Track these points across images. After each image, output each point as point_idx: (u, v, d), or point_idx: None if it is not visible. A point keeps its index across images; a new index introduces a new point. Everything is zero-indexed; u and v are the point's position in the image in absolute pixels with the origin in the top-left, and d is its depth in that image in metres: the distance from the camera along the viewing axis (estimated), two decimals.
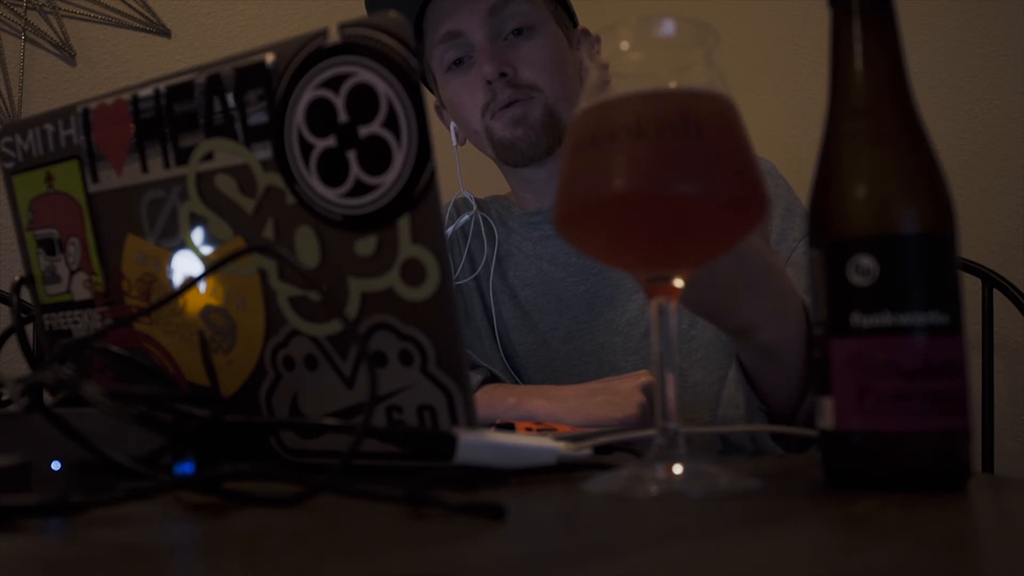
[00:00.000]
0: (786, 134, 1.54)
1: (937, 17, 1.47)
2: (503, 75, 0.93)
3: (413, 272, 0.41)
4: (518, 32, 0.95)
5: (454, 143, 1.05)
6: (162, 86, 0.48)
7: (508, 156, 1.00)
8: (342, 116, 0.42)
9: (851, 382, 0.39)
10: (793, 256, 0.88)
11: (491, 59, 0.93)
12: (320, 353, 0.45)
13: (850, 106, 0.41)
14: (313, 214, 0.44)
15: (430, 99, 1.09)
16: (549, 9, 0.99)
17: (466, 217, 1.08)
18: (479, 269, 1.06)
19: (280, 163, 0.44)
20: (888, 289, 0.38)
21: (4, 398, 0.51)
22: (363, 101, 0.42)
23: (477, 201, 1.10)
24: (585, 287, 1.00)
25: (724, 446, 0.70)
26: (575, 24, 1.05)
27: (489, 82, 0.94)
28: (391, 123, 0.41)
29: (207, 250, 0.48)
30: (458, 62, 0.98)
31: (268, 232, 0.45)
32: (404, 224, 0.41)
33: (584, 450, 0.46)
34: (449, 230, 1.08)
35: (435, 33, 0.98)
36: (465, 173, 1.07)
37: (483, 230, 1.07)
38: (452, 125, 1.05)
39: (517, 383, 0.99)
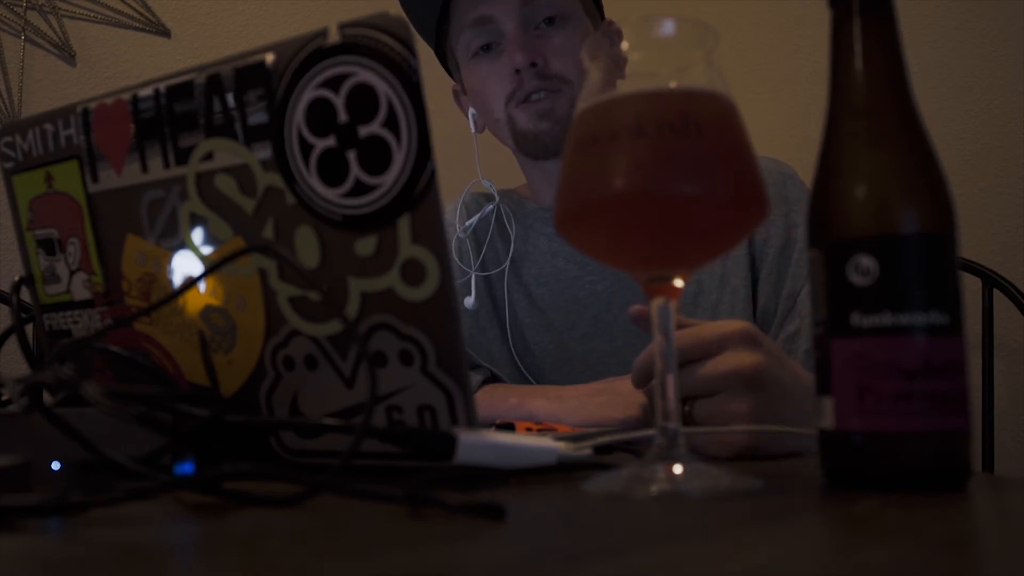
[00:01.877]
0: (786, 134, 1.54)
1: (937, 17, 1.47)
2: (533, 65, 0.92)
3: (413, 272, 0.41)
4: (550, 21, 0.94)
5: (472, 130, 1.03)
6: (162, 86, 0.48)
7: (530, 149, 0.98)
8: (342, 116, 0.42)
9: (851, 382, 0.39)
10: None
11: (522, 48, 0.92)
12: (320, 353, 0.45)
13: (850, 106, 0.41)
14: (313, 214, 0.44)
15: (448, 84, 1.08)
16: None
17: (489, 207, 1.06)
18: (498, 267, 1.03)
19: (280, 163, 0.44)
20: (888, 289, 0.38)
21: (4, 398, 0.51)
22: (363, 101, 0.42)
23: (491, 197, 1.08)
24: (604, 286, 0.98)
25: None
26: (602, 17, 1.04)
27: (518, 71, 0.93)
28: (391, 123, 0.41)
29: (207, 250, 0.48)
30: (486, 48, 0.97)
31: (268, 232, 0.45)
32: (404, 224, 0.41)
33: (584, 450, 0.46)
34: (472, 220, 1.05)
35: (464, 17, 0.97)
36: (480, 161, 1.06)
37: (506, 223, 1.05)
38: (471, 112, 1.03)
39: (530, 383, 0.98)
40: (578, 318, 0.98)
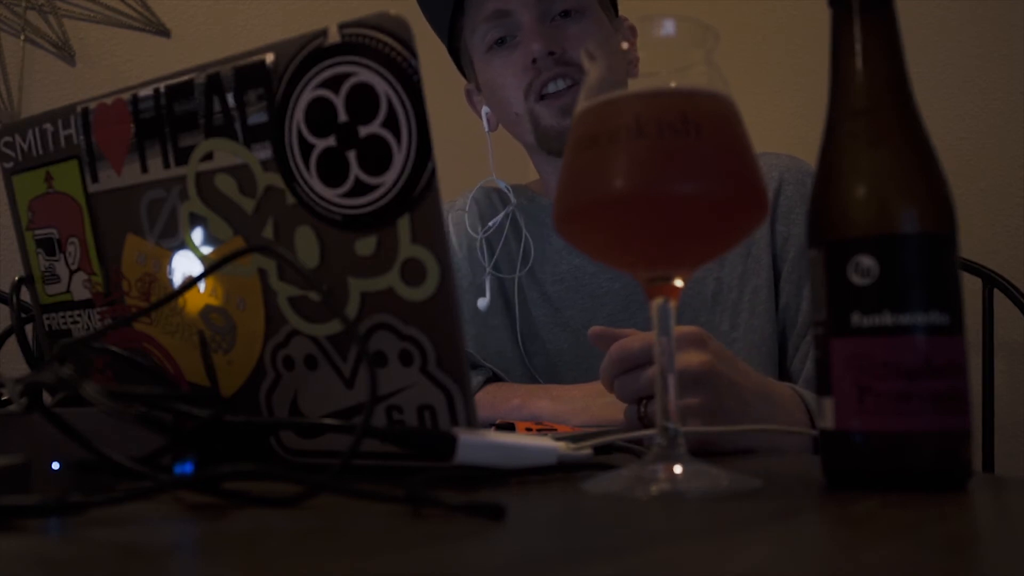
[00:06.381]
0: (786, 134, 1.54)
1: (937, 17, 1.47)
2: (551, 53, 0.92)
3: (413, 272, 0.41)
4: (566, 14, 0.94)
5: (486, 129, 1.02)
6: (162, 86, 0.48)
7: (552, 146, 0.97)
8: (342, 116, 0.42)
9: (851, 382, 0.39)
10: None
11: (540, 37, 0.92)
12: (320, 353, 0.45)
13: (850, 106, 0.41)
14: (313, 214, 0.44)
15: (459, 85, 1.08)
16: None
17: (500, 216, 1.04)
18: (511, 267, 1.02)
19: (280, 163, 0.44)
20: (888, 289, 0.38)
21: (4, 398, 0.51)
22: (363, 101, 0.42)
23: (503, 194, 1.06)
24: (620, 284, 0.97)
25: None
26: (616, 12, 1.04)
27: (534, 61, 0.92)
28: (391, 123, 0.41)
29: (207, 250, 0.48)
30: (501, 41, 0.96)
31: (268, 232, 0.45)
32: (404, 224, 0.41)
33: (584, 450, 0.46)
34: (492, 224, 1.04)
35: (480, 11, 0.96)
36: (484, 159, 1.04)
37: (521, 224, 1.04)
38: (484, 110, 1.02)
39: (539, 383, 0.97)
40: (594, 316, 0.97)
